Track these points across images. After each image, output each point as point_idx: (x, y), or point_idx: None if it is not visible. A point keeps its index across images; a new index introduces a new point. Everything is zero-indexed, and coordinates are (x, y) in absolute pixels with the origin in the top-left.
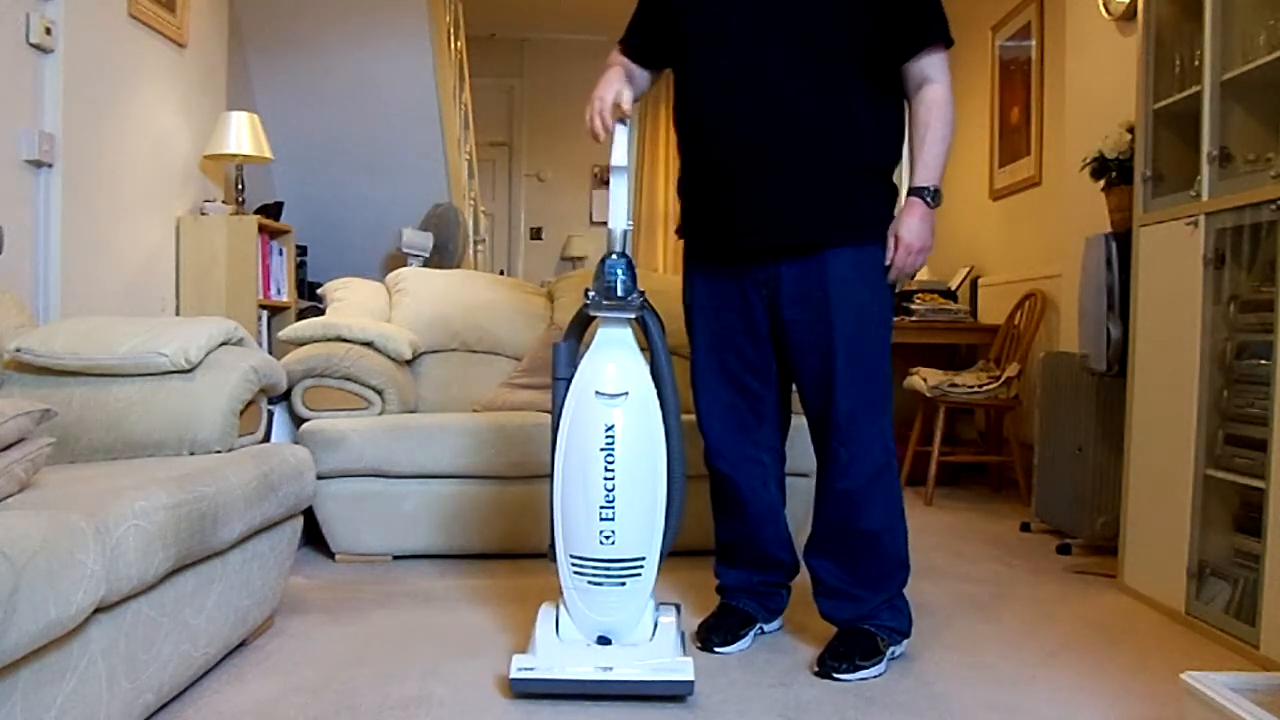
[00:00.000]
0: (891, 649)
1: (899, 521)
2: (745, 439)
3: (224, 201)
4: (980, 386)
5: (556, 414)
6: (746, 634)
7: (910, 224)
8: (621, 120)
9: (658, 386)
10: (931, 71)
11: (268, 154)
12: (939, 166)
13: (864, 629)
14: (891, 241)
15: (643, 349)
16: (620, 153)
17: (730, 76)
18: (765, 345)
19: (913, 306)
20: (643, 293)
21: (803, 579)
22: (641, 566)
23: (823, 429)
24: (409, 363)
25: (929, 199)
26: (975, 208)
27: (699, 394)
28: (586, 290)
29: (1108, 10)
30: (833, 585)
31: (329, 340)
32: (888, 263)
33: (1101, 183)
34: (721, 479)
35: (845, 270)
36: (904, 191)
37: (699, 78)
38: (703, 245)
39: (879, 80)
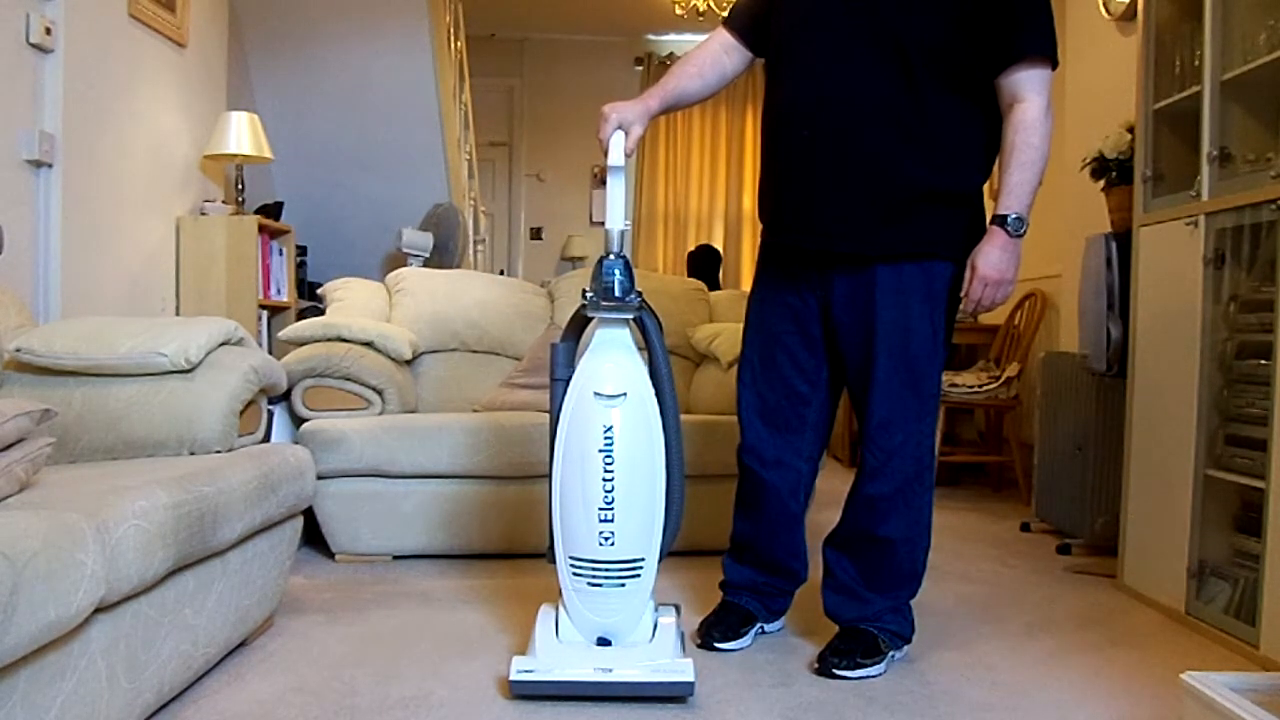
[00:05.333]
0: (892, 653)
1: (921, 535)
2: (783, 442)
3: (224, 201)
4: (980, 386)
5: (555, 415)
6: (747, 632)
7: (988, 253)
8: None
9: (656, 387)
10: (1022, 89)
11: (268, 154)
12: (1023, 194)
13: (866, 629)
14: (968, 271)
15: (641, 349)
16: (617, 154)
17: (809, 75)
18: (817, 348)
19: None
20: (640, 293)
21: (811, 574)
22: (641, 567)
23: (860, 434)
24: (409, 363)
25: (1010, 228)
26: None
27: (741, 388)
28: (584, 290)
29: (1108, 10)
30: (843, 581)
31: (329, 340)
32: (963, 293)
33: (1101, 183)
34: (749, 477)
35: (895, 284)
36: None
37: (783, 71)
38: (768, 241)
39: (970, 95)
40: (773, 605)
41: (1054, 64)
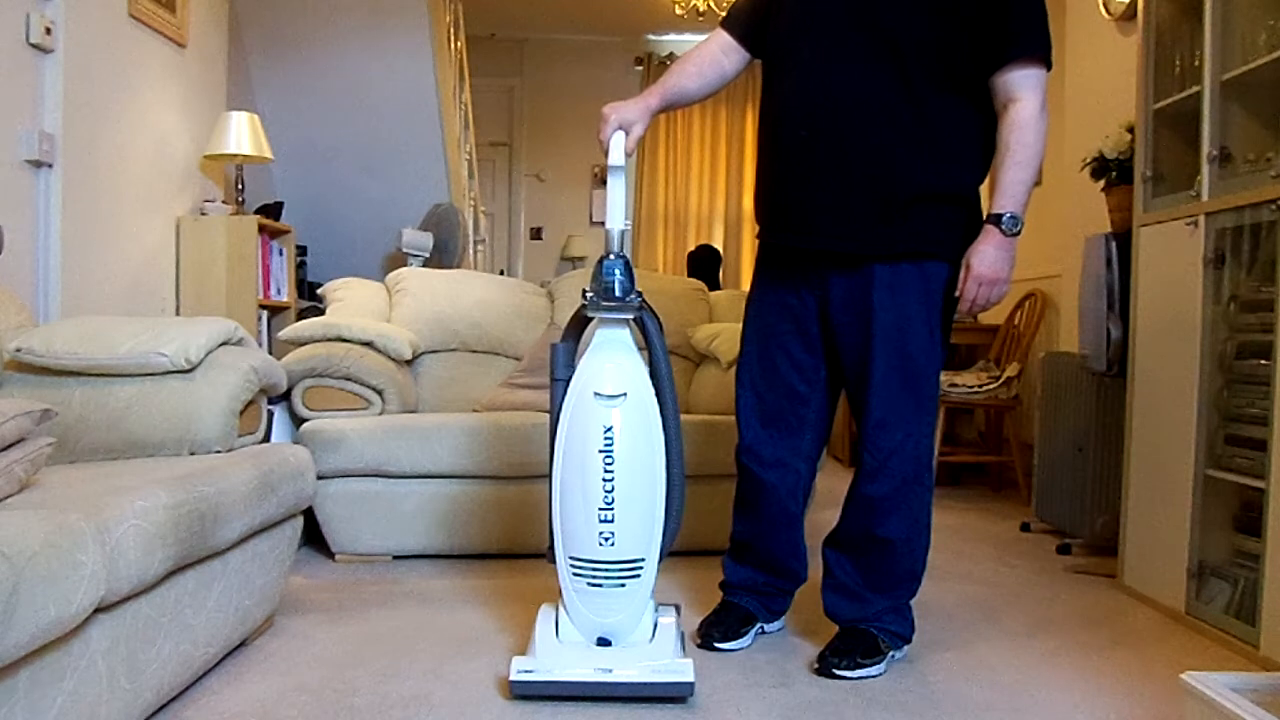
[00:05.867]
0: (892, 653)
1: (920, 535)
2: (781, 442)
3: (224, 201)
4: (980, 386)
5: (555, 415)
6: (747, 632)
7: (983, 252)
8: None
9: (656, 387)
10: (1017, 89)
11: (268, 154)
12: (1018, 193)
13: (866, 629)
14: (963, 270)
15: (641, 349)
16: (617, 154)
17: (806, 75)
18: (816, 347)
19: None
20: (640, 293)
21: (811, 574)
22: (641, 567)
23: (859, 434)
24: (409, 363)
25: (1005, 227)
26: None
27: (740, 389)
28: (584, 290)
29: (1108, 10)
30: (842, 581)
31: (329, 340)
32: (957, 292)
33: (1101, 183)
34: (748, 477)
35: (892, 284)
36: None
37: (781, 72)
38: (765, 241)
39: (967, 96)
40: (773, 605)
41: (1048, 65)
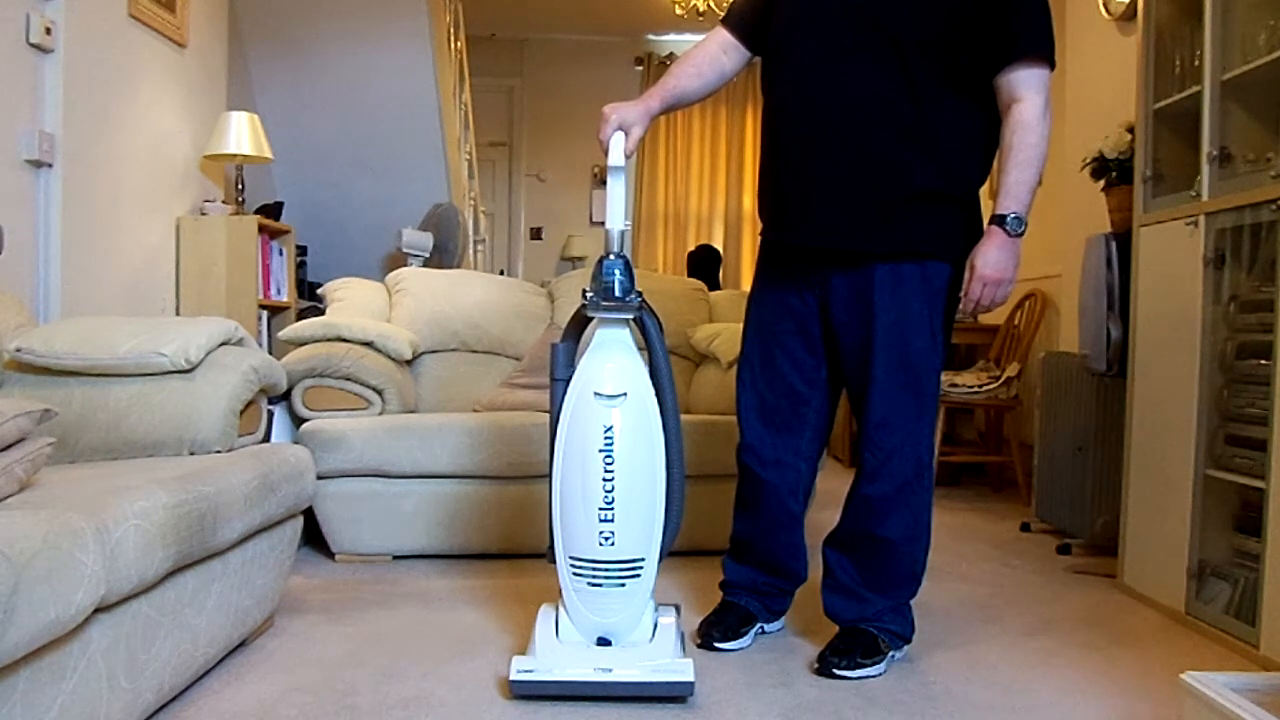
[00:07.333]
0: (892, 653)
1: (920, 535)
2: (782, 442)
3: (224, 201)
4: (980, 386)
5: (555, 415)
6: (747, 632)
7: (987, 253)
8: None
9: (656, 387)
10: (1020, 89)
11: (268, 154)
12: (1022, 193)
13: (866, 629)
14: (967, 271)
15: (641, 349)
16: (617, 154)
17: (807, 73)
18: (817, 347)
19: None
20: (640, 293)
21: (811, 574)
22: (641, 567)
23: (859, 434)
24: (409, 363)
25: (1009, 227)
26: None
27: (741, 388)
28: (584, 290)
29: (1108, 10)
30: (842, 581)
31: (329, 340)
32: (962, 292)
33: (1101, 183)
34: (748, 476)
35: (893, 284)
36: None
37: (782, 70)
38: (767, 239)
39: (969, 95)
40: (773, 605)
41: (1051, 65)
